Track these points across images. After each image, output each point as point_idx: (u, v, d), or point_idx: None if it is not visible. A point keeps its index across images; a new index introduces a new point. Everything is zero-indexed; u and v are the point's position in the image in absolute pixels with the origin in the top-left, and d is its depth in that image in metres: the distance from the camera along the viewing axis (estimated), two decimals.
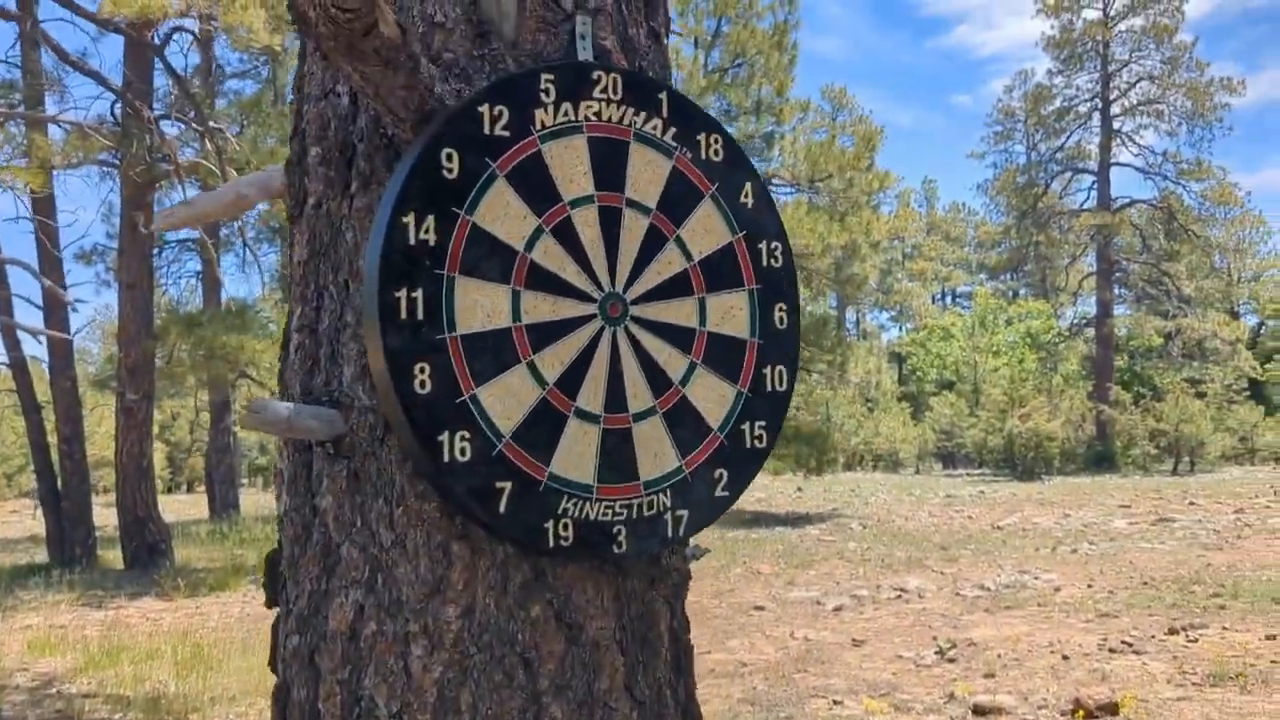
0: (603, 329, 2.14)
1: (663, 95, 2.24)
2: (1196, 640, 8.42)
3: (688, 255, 2.25)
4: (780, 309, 2.37)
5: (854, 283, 28.94)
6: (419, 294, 1.95)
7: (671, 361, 2.22)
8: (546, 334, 2.08)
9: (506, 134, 2.06)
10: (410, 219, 1.95)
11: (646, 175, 2.21)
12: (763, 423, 2.32)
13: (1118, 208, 46.31)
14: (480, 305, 2.01)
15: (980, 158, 64.85)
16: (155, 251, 17.62)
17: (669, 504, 2.19)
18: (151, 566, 15.40)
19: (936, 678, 7.75)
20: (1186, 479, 31.85)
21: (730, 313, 2.30)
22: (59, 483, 16.88)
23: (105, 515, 21.67)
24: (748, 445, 2.30)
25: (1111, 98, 46.54)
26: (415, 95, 2.03)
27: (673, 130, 2.25)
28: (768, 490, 34.24)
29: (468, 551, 2.08)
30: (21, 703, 9.22)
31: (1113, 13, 46.07)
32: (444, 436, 1.95)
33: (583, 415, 2.10)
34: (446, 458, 1.95)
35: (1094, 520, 19.79)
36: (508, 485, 2.01)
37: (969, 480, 36.86)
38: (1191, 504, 21.70)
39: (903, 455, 46.36)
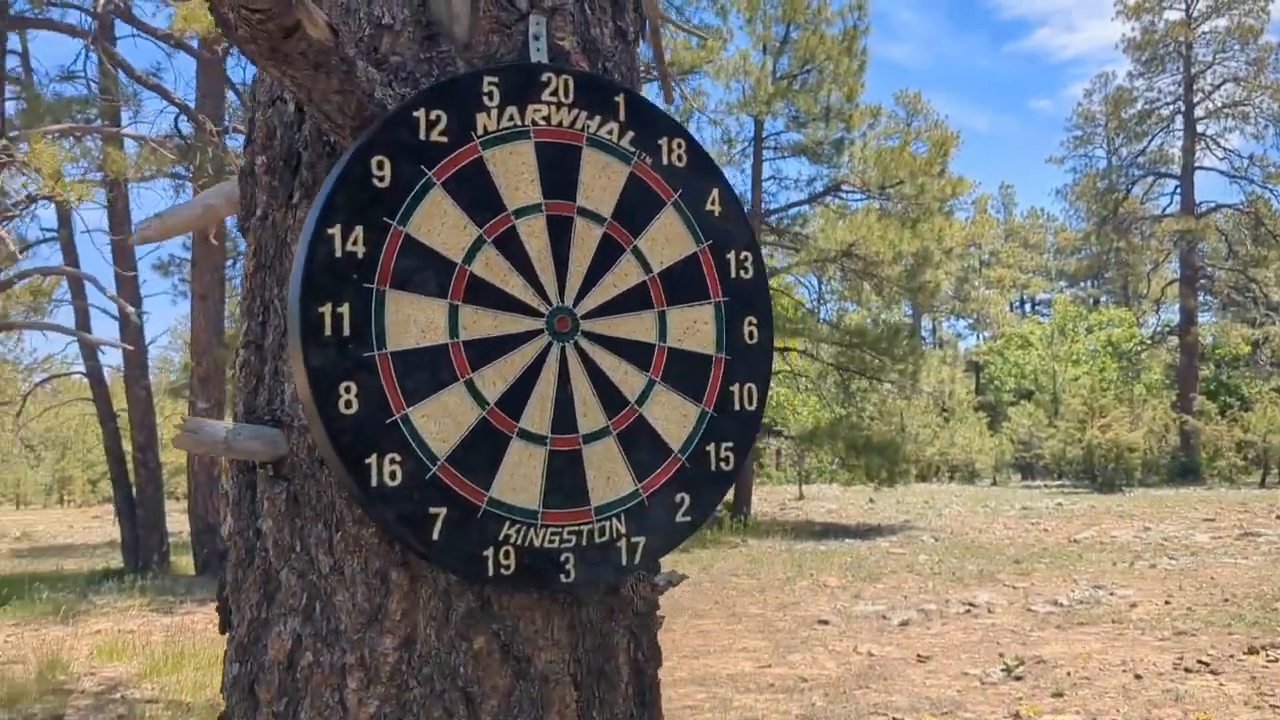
0: (550, 345, 2.02)
1: (619, 98, 2.12)
2: (1277, 660, 8.06)
3: (646, 266, 2.12)
4: (750, 323, 2.23)
5: (927, 290, 28.48)
6: (345, 309, 1.85)
7: (627, 379, 2.09)
8: (487, 350, 1.96)
9: (444, 140, 1.95)
10: (336, 230, 1.85)
11: (600, 182, 2.09)
12: (729, 444, 2.18)
13: (1202, 213, 45.03)
14: (414, 320, 1.90)
15: (1060, 162, 63.29)
16: (228, 263, 17.92)
17: (623, 530, 2.06)
18: (221, 573, 15.61)
19: (1002, 696, 7.52)
20: (1275, 491, 30.81)
21: (694, 327, 2.16)
22: (134, 490, 17.22)
23: (180, 522, 22.06)
24: (712, 468, 2.16)
25: (1195, 100, 45.30)
26: (352, 100, 1.93)
27: (630, 134, 2.12)
28: (839, 501, 33.86)
29: (406, 579, 1.98)
30: (86, 707, 9.37)
31: (1195, 14, 44.86)
32: (372, 459, 1.85)
33: (527, 436, 1.99)
34: (375, 482, 1.85)
35: (1175, 534, 19.20)
36: (442, 510, 1.90)
37: (1047, 492, 36.09)
38: (1279, 518, 20.95)
39: (979, 466, 45.53)
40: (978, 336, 64.74)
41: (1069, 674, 8.11)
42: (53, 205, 10.93)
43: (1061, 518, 24.99)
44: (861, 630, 11.40)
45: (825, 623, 11.94)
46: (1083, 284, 63.28)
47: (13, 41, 15.48)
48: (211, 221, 2.56)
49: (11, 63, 15.95)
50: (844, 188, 28.29)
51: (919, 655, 9.67)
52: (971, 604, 12.77)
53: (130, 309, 13.11)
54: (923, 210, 26.31)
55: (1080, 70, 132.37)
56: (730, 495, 30.41)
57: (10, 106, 13.51)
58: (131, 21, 11.52)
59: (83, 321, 16.00)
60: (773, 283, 29.96)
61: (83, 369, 17.07)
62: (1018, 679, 8.18)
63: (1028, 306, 70.11)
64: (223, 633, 2.27)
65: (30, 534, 29.96)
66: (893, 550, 19.48)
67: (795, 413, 25.64)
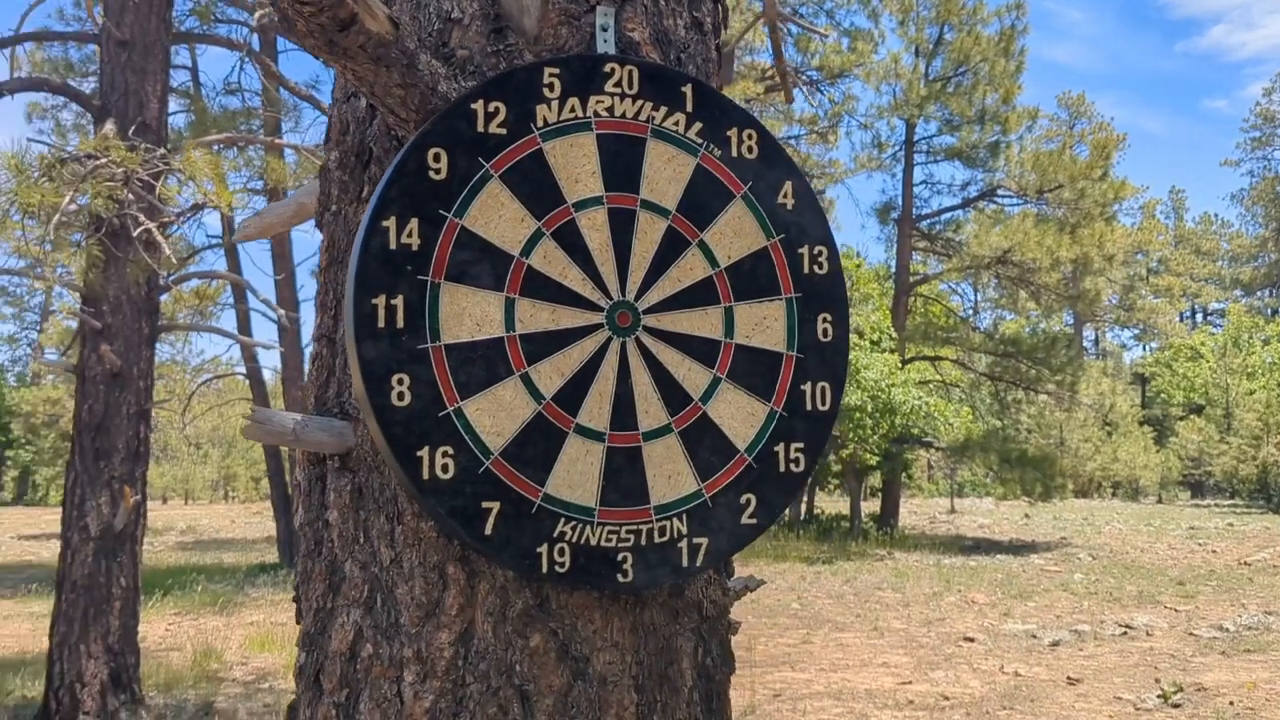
0: (610, 340, 1.98)
1: (687, 88, 2.07)
2: None
3: (713, 261, 2.07)
4: (825, 320, 2.15)
5: (1087, 299, 27.48)
6: (399, 301, 1.85)
7: (691, 376, 2.04)
8: (544, 345, 1.94)
9: (503, 132, 1.93)
10: (390, 223, 1.85)
11: (666, 174, 2.04)
12: (800, 445, 2.10)
13: None
14: (469, 313, 1.89)
15: (1235, 165, 60.50)
16: None
17: (685, 530, 2.00)
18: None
19: None
20: None
21: (763, 324, 2.10)
22: (289, 487, 17.90)
23: None
24: (781, 469, 2.09)
25: None
26: (415, 94, 1.94)
27: (698, 126, 2.07)
28: (991, 516, 32.95)
29: (464, 574, 1.97)
30: (236, 695, 9.77)
31: None
32: (424, 452, 1.84)
33: (585, 432, 1.95)
34: (427, 474, 1.84)
35: None
36: (495, 505, 1.88)
37: (1217, 511, 34.39)
38: None
39: (1143, 483, 43.66)
40: (1144, 347, 62.20)
41: (1231, 703, 7.71)
42: (217, 213, 11.47)
43: (1232, 539, 23.79)
44: (1009, 649, 11.07)
45: (971, 640, 11.64)
46: (1259, 293, 60.13)
47: (183, 56, 16.34)
48: (305, 218, 2.61)
49: (181, 76, 16.84)
50: (999, 192, 27.55)
51: (1069, 677, 9.34)
52: (1129, 626, 12.28)
53: (284, 314, 13.65)
54: (1083, 215, 25.42)
55: (1259, 69, 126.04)
56: (876, 507, 29.88)
57: (180, 119, 14.27)
58: (289, 36, 12.02)
59: (244, 325, 16.76)
60: (924, 290, 29.35)
61: (243, 370, 17.86)
62: (1175, 706, 7.81)
63: (1199, 316, 66.96)
64: (298, 623, 2.30)
65: (195, 528, 31.52)
66: (1047, 568, 18.86)
67: (947, 423, 24.99)
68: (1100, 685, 9.00)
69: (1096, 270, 26.35)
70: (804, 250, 2.14)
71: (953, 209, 28.46)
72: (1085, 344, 56.62)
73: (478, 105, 1.92)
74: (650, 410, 2.00)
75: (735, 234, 2.09)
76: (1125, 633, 11.88)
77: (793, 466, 2.10)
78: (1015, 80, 25.89)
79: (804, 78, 27.61)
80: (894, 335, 27.06)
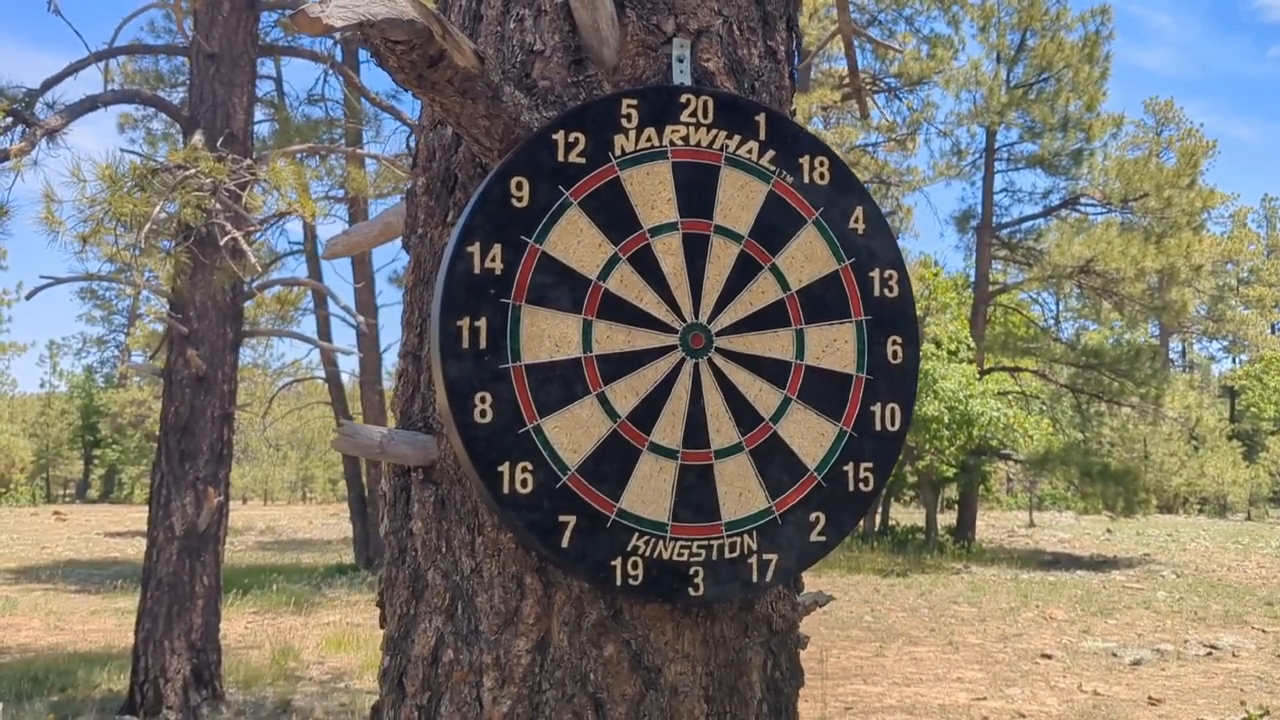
0: (683, 361, 2.05)
1: (760, 117, 2.13)
2: None
3: (784, 284, 2.13)
4: (895, 342, 2.20)
5: (1173, 310, 26.91)
6: (482, 323, 1.94)
7: (762, 396, 2.10)
8: (620, 365, 2.02)
9: (582, 161, 2.01)
10: (475, 248, 1.94)
11: (739, 200, 2.11)
12: (869, 464, 2.16)
13: None
14: (548, 335, 1.98)
15: None
16: None
17: (755, 546, 2.06)
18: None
19: None
20: None
21: (833, 346, 2.15)
22: (365, 490, 18.22)
23: None
24: (850, 488, 2.14)
25: None
26: (499, 124, 2.03)
27: (770, 153, 2.14)
28: (1072, 530, 32.38)
29: (541, 585, 2.05)
30: (312, 694, 9.99)
31: None
32: (504, 467, 1.93)
33: (658, 450, 2.02)
34: (507, 489, 1.93)
35: None
36: (572, 519, 1.96)
37: None
38: None
39: (1231, 499, 42.58)
40: (1234, 360, 60.60)
41: None
42: (300, 220, 11.75)
43: None
44: (1088, 667, 10.92)
45: (1049, 657, 11.50)
46: None
47: (268, 67, 16.75)
48: (390, 237, 2.72)
49: (266, 87, 17.25)
50: (1082, 200, 27.11)
51: (1150, 698, 9.20)
52: (1214, 646, 12.03)
53: (363, 320, 13.93)
54: (1169, 224, 24.91)
55: None
56: (953, 520, 29.52)
57: (265, 128, 14.63)
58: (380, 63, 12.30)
59: (324, 330, 17.14)
60: (1003, 299, 28.96)
61: (323, 374, 18.22)
62: None
63: None
64: (382, 627, 2.40)
65: (274, 528, 32.17)
66: (1128, 585, 18.51)
67: (1027, 436, 24.63)
68: (1183, 706, 8.85)
69: (1183, 280, 25.82)
70: (874, 274, 2.20)
71: (1034, 217, 28.05)
72: (1172, 356, 55.40)
73: (558, 136, 2.01)
74: (722, 429, 2.07)
75: (806, 258, 2.15)
76: (1210, 653, 11.65)
77: (861, 486, 2.15)
78: (1100, 87, 25.47)
79: (883, 84, 27.46)
80: (972, 345, 26.75)
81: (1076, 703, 9.14)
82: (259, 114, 12.84)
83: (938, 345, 26.96)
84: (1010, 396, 27.62)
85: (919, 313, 27.79)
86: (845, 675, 10.40)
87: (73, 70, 9.53)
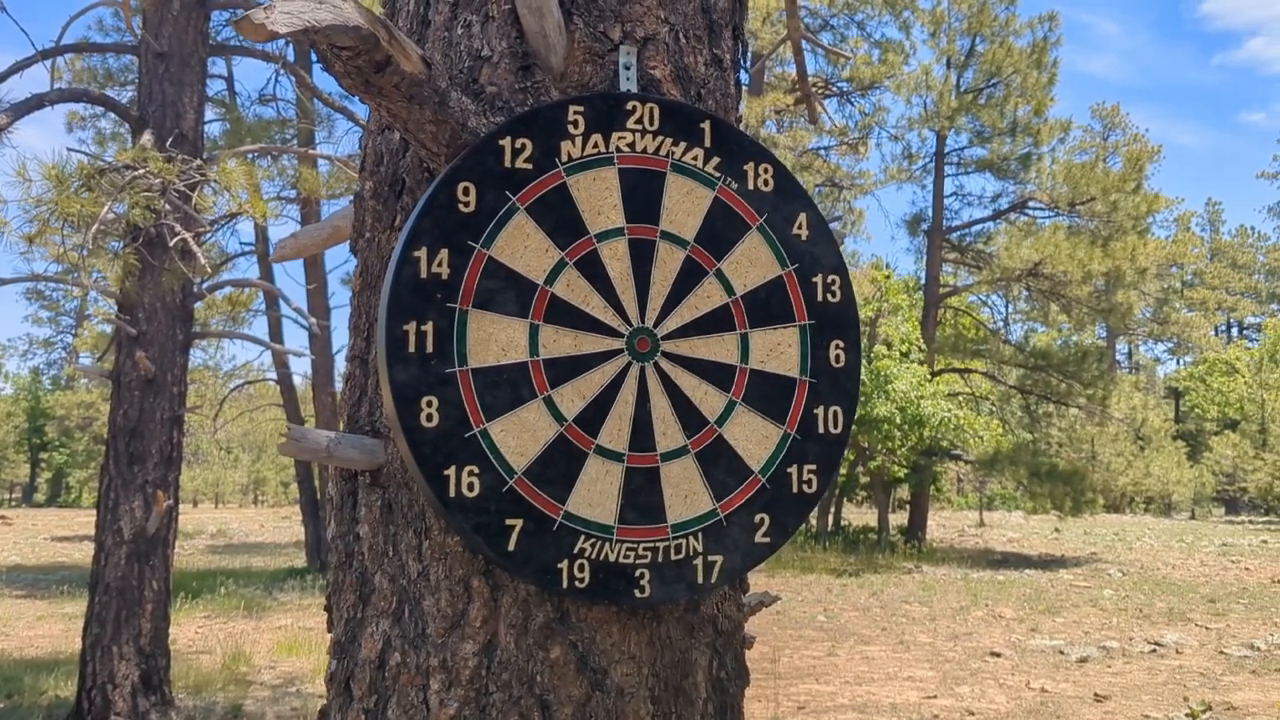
0: (629, 365, 2.08)
1: (705, 124, 2.16)
2: None
3: (729, 289, 2.15)
4: (838, 346, 2.23)
5: (1119, 312, 27.30)
6: (429, 327, 1.95)
7: (708, 399, 2.12)
8: (567, 369, 2.03)
9: (529, 167, 2.03)
10: (422, 253, 1.95)
11: (684, 206, 2.13)
12: (813, 466, 2.19)
13: None
14: (495, 339, 1.99)
15: (1272, 178, 59.81)
16: None
17: (700, 548, 2.09)
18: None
19: None
20: None
21: (777, 350, 2.18)
22: (317, 493, 18.07)
23: None
24: (794, 490, 2.17)
25: None
26: (446, 129, 2.04)
27: (715, 160, 2.16)
28: (1021, 530, 32.77)
29: (488, 588, 2.06)
30: (264, 699, 9.90)
31: None
32: (451, 471, 1.94)
33: (604, 453, 2.04)
34: (453, 492, 1.94)
35: None
36: (519, 522, 1.97)
37: (1251, 528, 34.06)
38: None
39: (1176, 499, 43.28)
40: (1178, 361, 61.64)
41: None
42: (251, 221, 11.65)
43: (1266, 556, 23.59)
44: (1036, 665, 11.05)
45: (998, 655, 11.63)
46: None
47: (219, 67, 16.59)
48: (339, 240, 2.72)
49: (217, 86, 17.08)
50: (1031, 204, 27.45)
51: (1097, 694, 9.33)
52: (1158, 643, 12.23)
53: (315, 322, 13.83)
54: (1115, 228, 25.29)
55: None
56: (904, 520, 29.78)
57: (216, 128, 14.49)
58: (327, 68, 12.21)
59: (275, 332, 16.99)
60: (954, 302, 29.26)
61: (274, 376, 18.07)
62: None
63: (1234, 330, 66.30)
64: (329, 631, 2.40)
65: (225, 531, 31.85)
66: (1076, 583, 18.77)
67: (977, 436, 24.90)
68: (1128, 703, 8.98)
69: (1129, 283, 26.21)
70: (818, 279, 2.23)
71: (983, 221, 28.39)
72: (1118, 358, 56.22)
73: (505, 141, 2.02)
74: (668, 432, 2.09)
75: (751, 264, 2.18)
76: (1155, 650, 11.84)
77: (805, 488, 2.19)
78: (1048, 92, 25.81)
79: (835, 89, 27.65)
80: (923, 347, 27.01)
81: (1025, 700, 9.26)
82: (210, 113, 12.71)
83: (889, 347, 27.18)
84: (960, 398, 27.92)
85: (871, 315, 28.04)
86: (798, 675, 10.47)
87: (19, 68, 9.37)
